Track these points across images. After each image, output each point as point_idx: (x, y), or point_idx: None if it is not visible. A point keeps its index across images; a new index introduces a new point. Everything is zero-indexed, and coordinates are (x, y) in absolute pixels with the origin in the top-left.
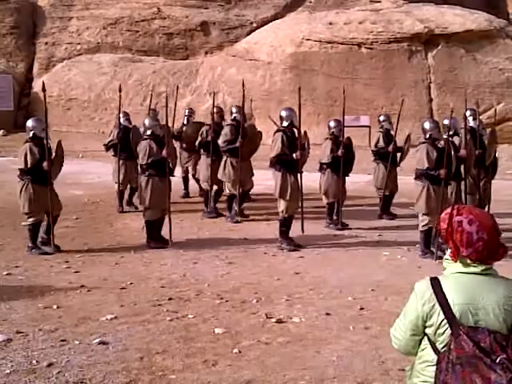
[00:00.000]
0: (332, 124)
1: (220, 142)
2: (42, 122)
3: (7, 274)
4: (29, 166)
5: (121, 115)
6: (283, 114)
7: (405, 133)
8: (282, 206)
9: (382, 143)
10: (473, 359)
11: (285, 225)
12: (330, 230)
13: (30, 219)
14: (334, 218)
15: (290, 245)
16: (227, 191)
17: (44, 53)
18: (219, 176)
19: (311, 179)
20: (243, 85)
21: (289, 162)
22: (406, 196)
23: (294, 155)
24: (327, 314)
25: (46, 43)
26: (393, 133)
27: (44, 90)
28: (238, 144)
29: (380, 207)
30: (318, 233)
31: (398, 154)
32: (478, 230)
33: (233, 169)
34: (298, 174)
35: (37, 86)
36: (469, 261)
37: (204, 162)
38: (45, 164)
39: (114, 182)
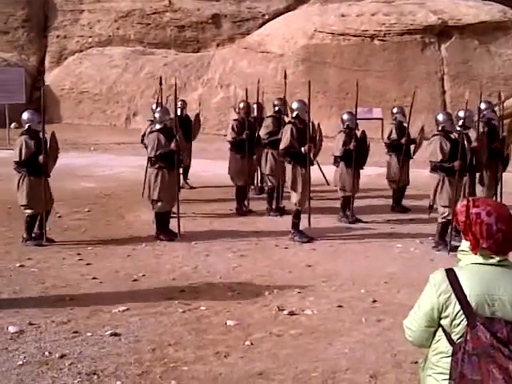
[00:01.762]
0: (345, 117)
1: (262, 133)
2: (38, 114)
3: (20, 266)
4: (23, 158)
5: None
6: (294, 106)
7: (417, 125)
8: (294, 198)
9: (394, 135)
10: (490, 350)
11: (297, 217)
12: (342, 223)
13: (28, 211)
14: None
15: (302, 237)
16: (269, 184)
17: (55, 46)
18: (263, 170)
19: (324, 171)
20: (258, 81)
21: (298, 155)
22: (418, 188)
23: (303, 149)
24: (339, 306)
25: (58, 36)
26: (406, 125)
27: (43, 84)
28: (279, 136)
29: (393, 200)
30: (330, 225)
31: (412, 147)
32: (497, 220)
33: (274, 162)
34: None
35: (49, 79)
36: (489, 252)
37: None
38: (40, 157)
39: None
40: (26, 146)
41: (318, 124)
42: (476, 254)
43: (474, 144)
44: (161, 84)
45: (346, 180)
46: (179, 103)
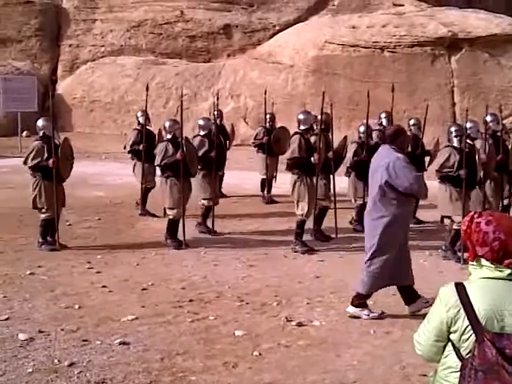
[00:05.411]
0: (362, 129)
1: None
2: (51, 121)
3: (30, 274)
4: (34, 163)
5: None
6: (301, 117)
7: (427, 137)
8: (299, 208)
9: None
10: (495, 366)
11: (300, 227)
12: (355, 232)
13: (42, 215)
14: None
15: (303, 247)
16: None
17: (68, 55)
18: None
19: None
20: (265, 92)
21: (306, 165)
22: (431, 200)
23: (312, 159)
24: (348, 317)
25: (70, 45)
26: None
27: (52, 94)
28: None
29: None
30: (338, 236)
31: (427, 159)
32: (495, 230)
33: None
34: (314, 177)
35: (61, 88)
36: (484, 261)
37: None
38: (50, 161)
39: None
40: (39, 151)
41: (345, 137)
42: (472, 261)
43: (483, 156)
44: (182, 96)
45: (357, 189)
46: (216, 113)
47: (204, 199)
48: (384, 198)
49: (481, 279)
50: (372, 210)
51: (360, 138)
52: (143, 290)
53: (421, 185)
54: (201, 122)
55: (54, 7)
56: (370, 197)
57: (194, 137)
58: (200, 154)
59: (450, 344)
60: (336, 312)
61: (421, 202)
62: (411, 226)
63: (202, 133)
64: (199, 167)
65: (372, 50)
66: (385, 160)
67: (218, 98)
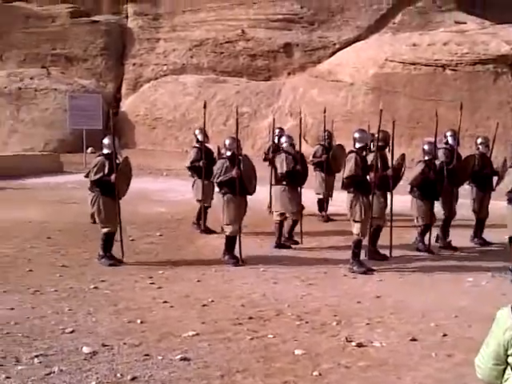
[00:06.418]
0: (426, 147)
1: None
2: (117, 139)
3: (94, 288)
4: (97, 177)
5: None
6: (356, 135)
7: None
8: (355, 228)
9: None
10: None
11: (357, 246)
12: (418, 252)
13: (103, 230)
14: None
15: (361, 267)
16: None
17: (132, 73)
18: None
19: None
20: (325, 110)
21: (361, 184)
22: (495, 220)
23: (368, 177)
24: (409, 339)
25: (134, 64)
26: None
27: (116, 112)
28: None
29: (473, 231)
30: (396, 255)
31: (495, 178)
32: None
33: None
34: (371, 196)
35: (125, 106)
36: None
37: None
38: (112, 176)
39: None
40: (101, 166)
41: (403, 154)
42: None
43: None
44: (237, 113)
45: (420, 209)
46: (277, 131)
47: (292, 212)
48: None
49: None
50: None
51: (426, 156)
52: (203, 306)
53: None
54: (283, 140)
55: (119, 27)
56: None
57: (280, 152)
58: (286, 169)
59: (509, 368)
60: (396, 333)
61: (487, 223)
62: (476, 246)
63: (228, 153)
64: (284, 183)
65: (433, 68)
66: None
67: (300, 119)
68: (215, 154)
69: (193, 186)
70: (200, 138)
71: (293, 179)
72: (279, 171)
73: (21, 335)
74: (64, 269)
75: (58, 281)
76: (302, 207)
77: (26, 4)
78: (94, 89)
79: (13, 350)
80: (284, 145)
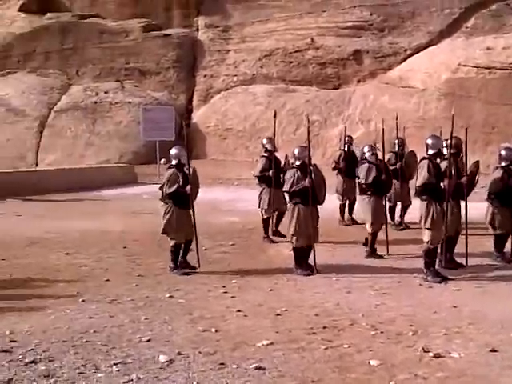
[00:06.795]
0: (504, 153)
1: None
2: (185, 150)
3: (169, 297)
4: (172, 189)
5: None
6: (429, 141)
7: None
8: (426, 236)
9: None
10: None
11: (429, 256)
12: (497, 262)
13: (172, 241)
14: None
15: (436, 277)
16: None
17: (203, 85)
18: None
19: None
20: (397, 117)
21: (435, 191)
22: None
23: (442, 184)
24: (489, 350)
25: (205, 75)
26: None
27: (188, 124)
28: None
29: None
30: (473, 264)
31: None
32: None
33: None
34: (445, 203)
35: (196, 117)
36: None
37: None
38: (188, 188)
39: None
40: (174, 178)
41: (478, 161)
42: None
43: None
44: (309, 121)
45: (497, 217)
46: (346, 139)
47: (372, 224)
48: None
49: None
50: None
51: (503, 162)
52: (277, 315)
53: None
54: (366, 149)
55: (190, 39)
56: None
57: (363, 162)
58: (370, 180)
59: None
60: (475, 344)
61: None
62: None
63: (297, 162)
64: (369, 192)
65: (508, 72)
66: None
67: (308, 124)
68: (282, 163)
69: (260, 195)
70: (269, 147)
71: (378, 189)
72: (363, 181)
73: (99, 343)
74: (140, 278)
75: (135, 290)
76: (352, 221)
77: (101, 20)
78: (167, 101)
79: (92, 357)
80: (366, 154)
